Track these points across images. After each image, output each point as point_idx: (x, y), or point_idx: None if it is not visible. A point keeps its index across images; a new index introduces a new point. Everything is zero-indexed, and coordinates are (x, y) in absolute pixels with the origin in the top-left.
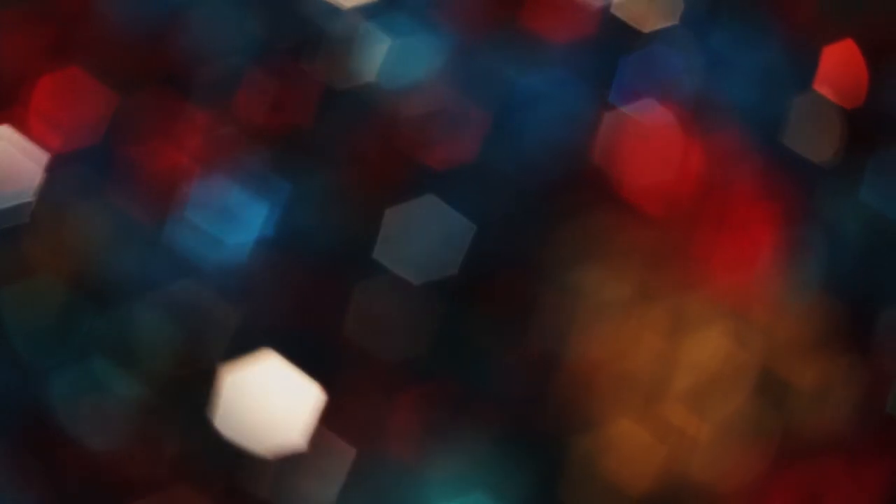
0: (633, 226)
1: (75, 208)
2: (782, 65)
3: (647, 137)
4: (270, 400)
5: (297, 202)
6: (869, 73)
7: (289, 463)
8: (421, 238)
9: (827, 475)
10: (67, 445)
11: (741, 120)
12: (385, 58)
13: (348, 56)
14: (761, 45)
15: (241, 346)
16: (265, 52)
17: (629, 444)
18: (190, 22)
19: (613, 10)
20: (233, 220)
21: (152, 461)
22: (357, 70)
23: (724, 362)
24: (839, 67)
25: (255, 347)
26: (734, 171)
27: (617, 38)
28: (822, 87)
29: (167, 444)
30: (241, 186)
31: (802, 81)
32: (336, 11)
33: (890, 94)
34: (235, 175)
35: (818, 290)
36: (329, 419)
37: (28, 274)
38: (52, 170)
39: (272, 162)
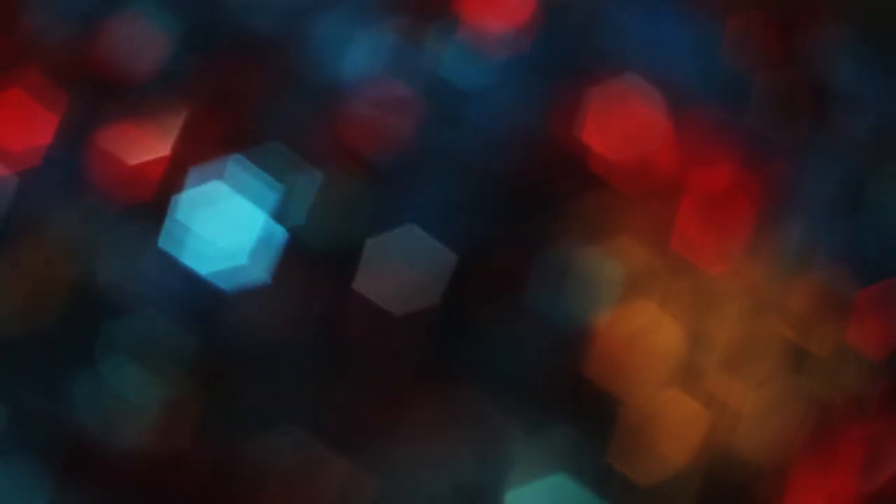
0: (621, 205)
1: (56, 216)
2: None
3: (615, 115)
4: None
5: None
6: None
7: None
8: (402, 268)
9: (854, 441)
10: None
11: (704, 95)
12: (329, 53)
13: (289, 53)
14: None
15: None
16: (205, 51)
17: (668, 415)
18: (124, 22)
19: None
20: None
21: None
22: (300, 66)
23: (748, 335)
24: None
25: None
26: (708, 145)
27: (561, 20)
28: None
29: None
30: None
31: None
32: (272, 7)
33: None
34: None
35: (811, 258)
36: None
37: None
38: (26, 179)
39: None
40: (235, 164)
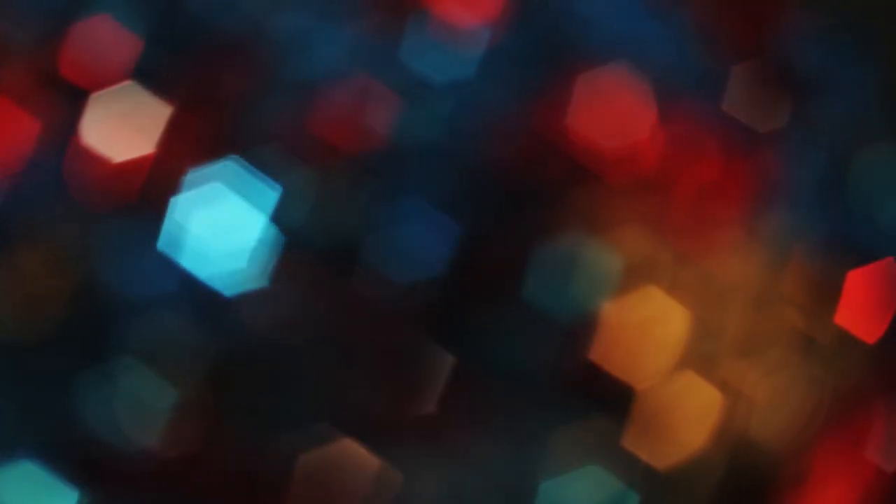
0: (612, 196)
1: (49, 220)
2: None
3: (600, 105)
4: None
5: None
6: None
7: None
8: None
9: (872, 423)
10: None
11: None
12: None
13: (262, 51)
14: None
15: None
16: (177, 51)
17: (682, 401)
18: (92, 25)
19: None
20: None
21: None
22: (274, 65)
23: (754, 322)
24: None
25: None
26: (692, 135)
27: (536, 11)
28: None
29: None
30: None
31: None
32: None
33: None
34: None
35: (802, 244)
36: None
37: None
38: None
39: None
40: (230, 165)
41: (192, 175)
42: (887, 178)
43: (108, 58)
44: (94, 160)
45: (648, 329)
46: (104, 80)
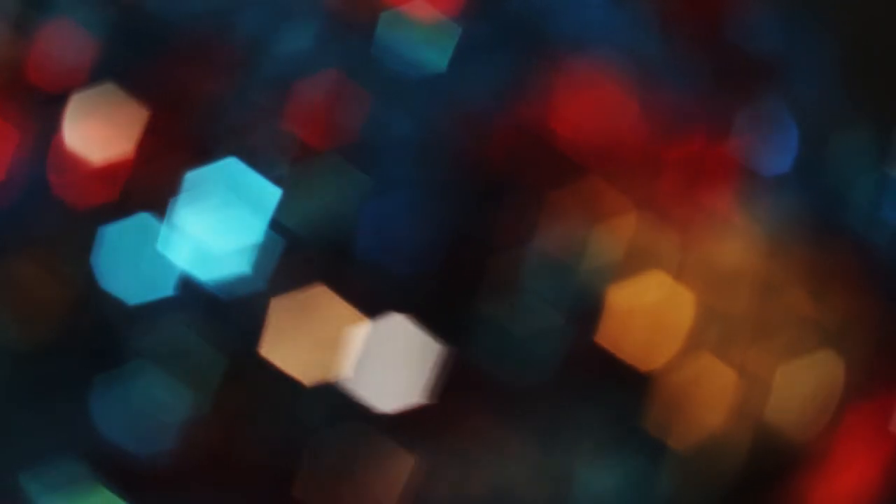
0: (599, 184)
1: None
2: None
3: (574, 94)
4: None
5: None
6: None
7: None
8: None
9: (887, 399)
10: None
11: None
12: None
13: (223, 50)
14: None
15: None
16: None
17: (698, 385)
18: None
19: None
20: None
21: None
22: (237, 63)
23: (761, 307)
24: None
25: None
26: (671, 120)
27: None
28: None
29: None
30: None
31: None
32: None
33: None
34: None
35: (789, 227)
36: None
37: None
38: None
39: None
40: (228, 166)
41: (189, 176)
42: (859, 157)
43: (73, 61)
44: (75, 162)
45: (654, 314)
46: (72, 84)
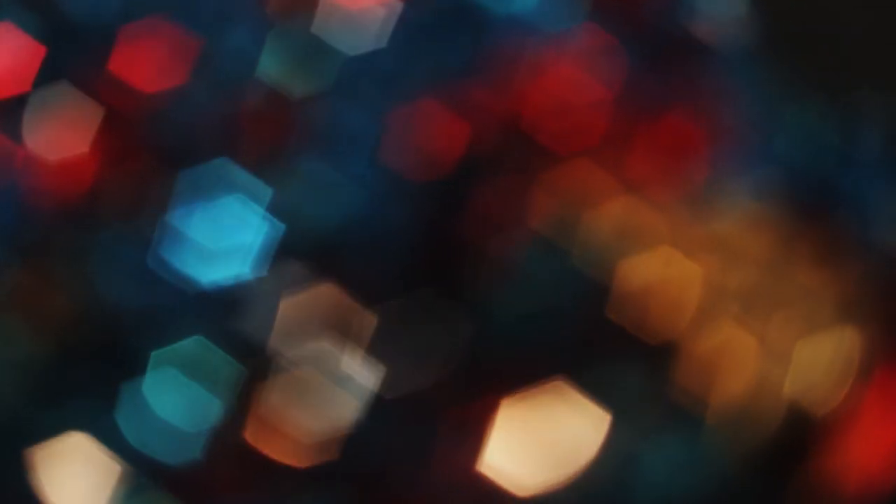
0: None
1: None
2: None
3: (535, 77)
4: None
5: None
6: None
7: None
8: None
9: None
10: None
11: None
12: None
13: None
14: None
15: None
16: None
17: (716, 356)
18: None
19: None
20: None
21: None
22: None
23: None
24: None
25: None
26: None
27: None
28: None
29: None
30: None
31: None
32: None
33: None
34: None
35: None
36: None
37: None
38: None
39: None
40: (221, 166)
41: (185, 177)
42: (803, 126)
43: (14, 64)
44: (36, 163)
45: (662, 289)
46: (22, 88)
